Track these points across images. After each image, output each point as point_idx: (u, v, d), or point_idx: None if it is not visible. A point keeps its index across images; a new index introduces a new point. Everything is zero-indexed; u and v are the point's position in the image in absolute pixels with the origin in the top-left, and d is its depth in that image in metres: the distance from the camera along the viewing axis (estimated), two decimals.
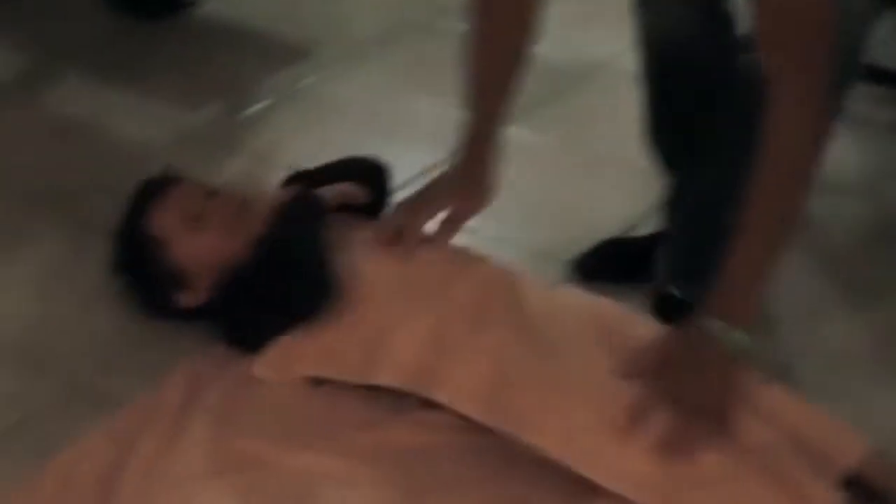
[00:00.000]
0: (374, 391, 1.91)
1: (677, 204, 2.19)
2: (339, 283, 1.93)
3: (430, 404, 1.88)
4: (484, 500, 1.75)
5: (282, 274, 1.95)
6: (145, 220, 2.03)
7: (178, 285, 2.02)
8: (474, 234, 2.14)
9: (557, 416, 1.78)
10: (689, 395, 1.75)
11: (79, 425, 1.86)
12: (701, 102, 2.05)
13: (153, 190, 2.06)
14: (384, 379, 1.88)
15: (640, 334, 1.87)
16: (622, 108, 2.40)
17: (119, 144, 2.66)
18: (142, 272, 2.04)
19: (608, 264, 2.28)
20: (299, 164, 2.22)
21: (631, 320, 1.95)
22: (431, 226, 2.07)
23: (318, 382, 1.94)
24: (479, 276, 1.98)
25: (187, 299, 2.02)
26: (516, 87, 1.98)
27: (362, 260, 1.98)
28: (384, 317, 1.91)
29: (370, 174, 2.20)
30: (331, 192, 2.10)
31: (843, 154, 2.38)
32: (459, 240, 2.10)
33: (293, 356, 1.94)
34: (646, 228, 2.34)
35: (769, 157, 1.65)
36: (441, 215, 2.08)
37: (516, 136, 2.11)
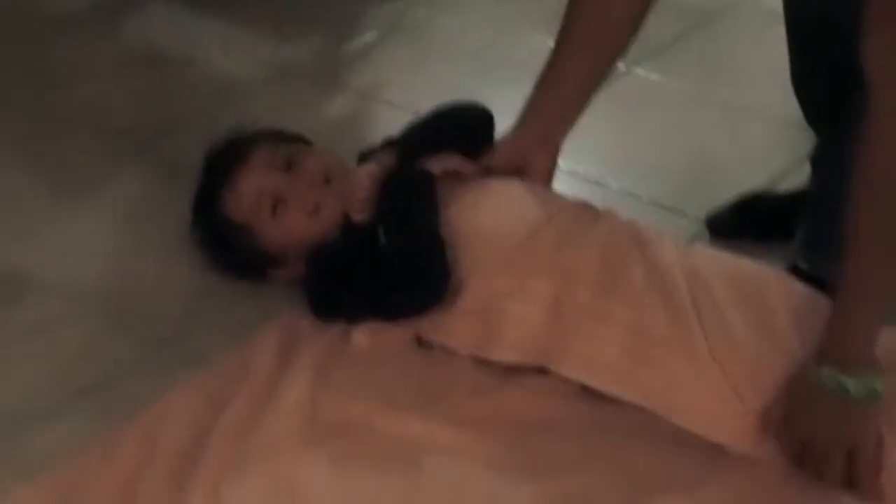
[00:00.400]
0: None
1: (820, 165, 2.09)
2: (454, 279, 1.83)
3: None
4: (608, 482, 1.66)
5: (387, 269, 1.85)
6: (221, 207, 1.97)
7: (269, 264, 1.97)
8: (598, 187, 2.01)
9: (694, 393, 1.70)
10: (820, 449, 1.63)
11: (164, 382, 1.80)
12: (853, 54, 1.90)
13: (224, 167, 1.98)
14: (501, 356, 1.80)
15: (781, 298, 1.77)
16: (765, 50, 2.33)
17: (209, 79, 2.61)
18: (228, 255, 2.00)
19: (746, 222, 2.18)
20: (403, 106, 2.09)
21: (771, 281, 1.83)
22: None
23: (421, 342, 1.87)
24: (600, 232, 1.86)
25: (281, 275, 1.97)
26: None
27: (459, 216, 1.88)
28: (496, 284, 1.81)
29: (476, 128, 2.06)
30: (437, 165, 1.95)
31: None
32: (578, 190, 2.03)
33: (396, 328, 1.87)
34: (790, 185, 2.25)
35: (873, 172, 1.51)
36: None
37: (644, 79, 2.04)
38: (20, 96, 2.49)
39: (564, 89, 1.93)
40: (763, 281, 1.82)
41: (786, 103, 2.14)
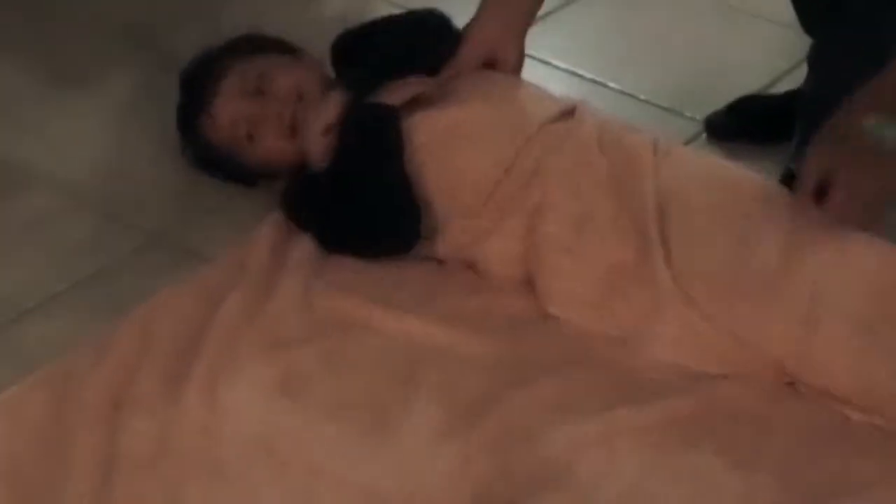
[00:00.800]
0: None
1: (815, 67, 2.07)
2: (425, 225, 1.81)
3: None
4: (591, 384, 1.66)
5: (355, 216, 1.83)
6: (201, 131, 1.96)
7: (260, 177, 1.96)
8: (596, 86, 1.99)
9: (663, 325, 1.70)
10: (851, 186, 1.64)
11: (161, 278, 1.80)
12: None
13: (198, 90, 1.96)
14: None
15: (757, 203, 1.75)
16: None
17: None
18: (218, 171, 1.98)
19: (743, 123, 2.17)
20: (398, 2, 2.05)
21: (748, 185, 1.79)
22: None
23: None
24: (570, 152, 1.80)
25: (274, 184, 1.94)
26: None
27: (429, 156, 1.83)
28: (474, 226, 1.80)
29: (435, 40, 1.97)
30: (399, 96, 1.88)
31: None
32: (576, 90, 1.98)
33: None
34: (787, 86, 2.23)
35: None
36: None
37: None
38: None
39: None
40: (740, 184, 1.79)
41: (788, 4, 2.09)
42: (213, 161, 1.96)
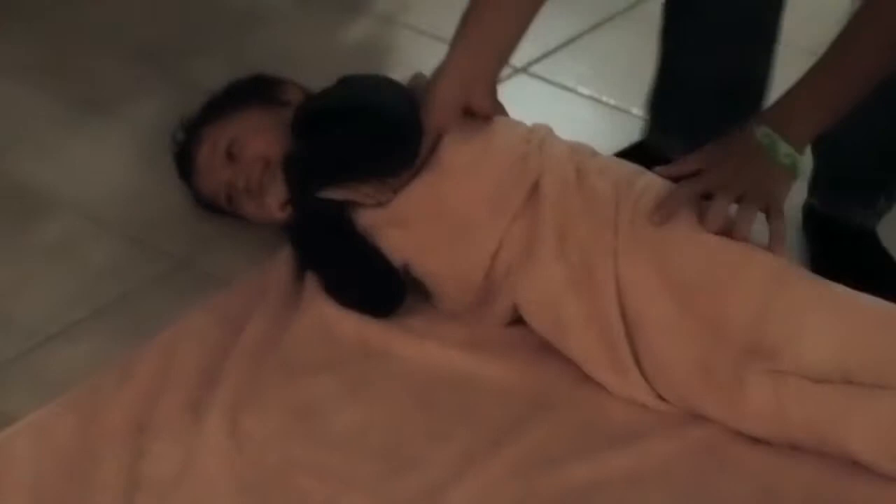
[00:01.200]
0: None
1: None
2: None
3: None
4: (611, 411, 1.66)
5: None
6: (195, 189, 1.95)
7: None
8: (619, 113, 1.98)
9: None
10: (734, 184, 1.66)
11: (183, 303, 1.79)
12: None
13: (183, 156, 1.95)
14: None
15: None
16: None
17: (234, 2, 2.58)
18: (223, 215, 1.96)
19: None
20: (425, 31, 2.03)
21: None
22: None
23: None
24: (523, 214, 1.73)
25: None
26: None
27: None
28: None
29: (402, 150, 1.77)
30: (339, 194, 1.79)
31: None
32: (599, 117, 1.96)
33: None
34: None
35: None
36: None
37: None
38: (44, 16, 2.47)
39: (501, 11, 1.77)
40: (699, 275, 1.66)
41: (812, 31, 1.99)
42: (217, 210, 1.95)
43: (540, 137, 1.77)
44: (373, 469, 1.55)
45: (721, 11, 1.92)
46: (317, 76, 1.92)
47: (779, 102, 1.68)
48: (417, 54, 2.06)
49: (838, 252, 1.92)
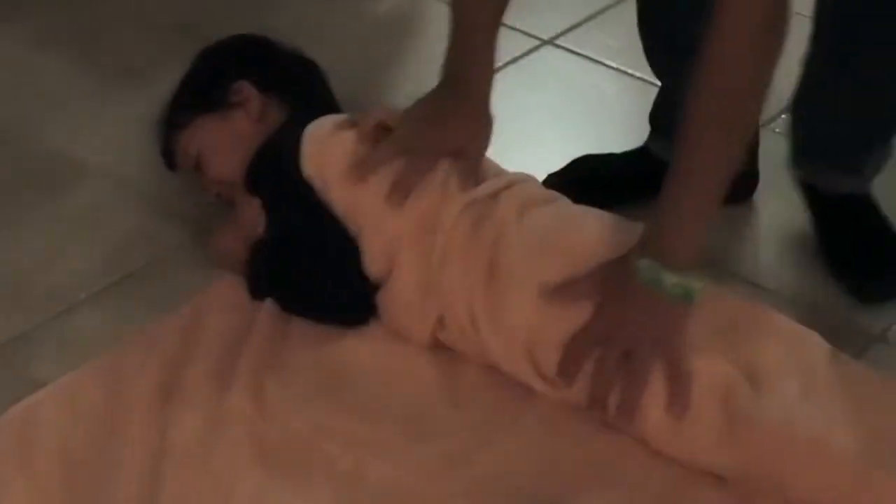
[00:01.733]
0: None
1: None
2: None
3: None
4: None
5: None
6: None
7: None
8: (645, 85, 1.94)
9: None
10: (625, 339, 1.53)
11: (209, 272, 1.80)
12: None
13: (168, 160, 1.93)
14: None
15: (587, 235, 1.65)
16: None
17: None
18: None
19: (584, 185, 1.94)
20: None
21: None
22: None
23: None
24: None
25: None
26: None
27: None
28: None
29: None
30: None
31: None
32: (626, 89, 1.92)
33: None
34: None
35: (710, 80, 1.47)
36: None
37: None
38: None
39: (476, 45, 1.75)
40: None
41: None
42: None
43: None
44: (397, 435, 1.56)
45: None
46: (343, 48, 1.91)
47: (651, 230, 1.55)
48: (444, 26, 2.05)
49: (835, 220, 1.90)
